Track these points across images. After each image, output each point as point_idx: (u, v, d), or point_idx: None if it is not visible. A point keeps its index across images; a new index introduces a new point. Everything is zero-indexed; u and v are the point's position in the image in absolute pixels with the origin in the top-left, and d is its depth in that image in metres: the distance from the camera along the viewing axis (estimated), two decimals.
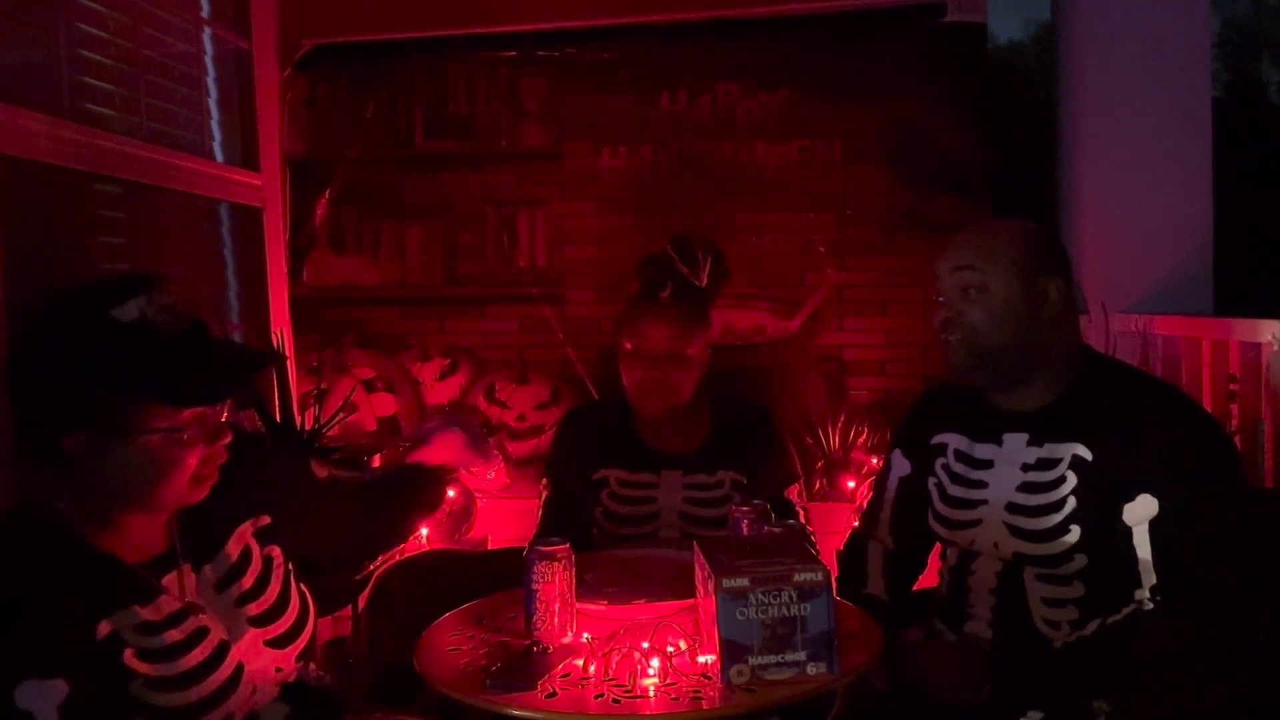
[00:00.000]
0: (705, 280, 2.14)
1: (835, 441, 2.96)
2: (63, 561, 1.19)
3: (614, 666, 1.34)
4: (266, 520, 1.39)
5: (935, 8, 2.92)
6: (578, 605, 1.49)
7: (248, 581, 1.34)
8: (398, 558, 2.42)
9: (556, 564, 1.46)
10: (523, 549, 1.49)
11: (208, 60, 2.84)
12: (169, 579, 1.27)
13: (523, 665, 1.37)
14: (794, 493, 2.09)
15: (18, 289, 1.92)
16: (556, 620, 1.46)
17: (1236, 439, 2.50)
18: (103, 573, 1.22)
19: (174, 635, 1.23)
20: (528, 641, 1.46)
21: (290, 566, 1.41)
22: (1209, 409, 2.62)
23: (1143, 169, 3.06)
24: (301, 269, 3.12)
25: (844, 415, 2.96)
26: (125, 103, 2.41)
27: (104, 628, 1.18)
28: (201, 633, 1.26)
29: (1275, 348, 2.28)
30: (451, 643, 1.48)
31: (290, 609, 1.38)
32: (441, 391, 3.10)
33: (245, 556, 1.35)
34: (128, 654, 1.19)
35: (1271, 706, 1.49)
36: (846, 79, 2.96)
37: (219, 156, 2.86)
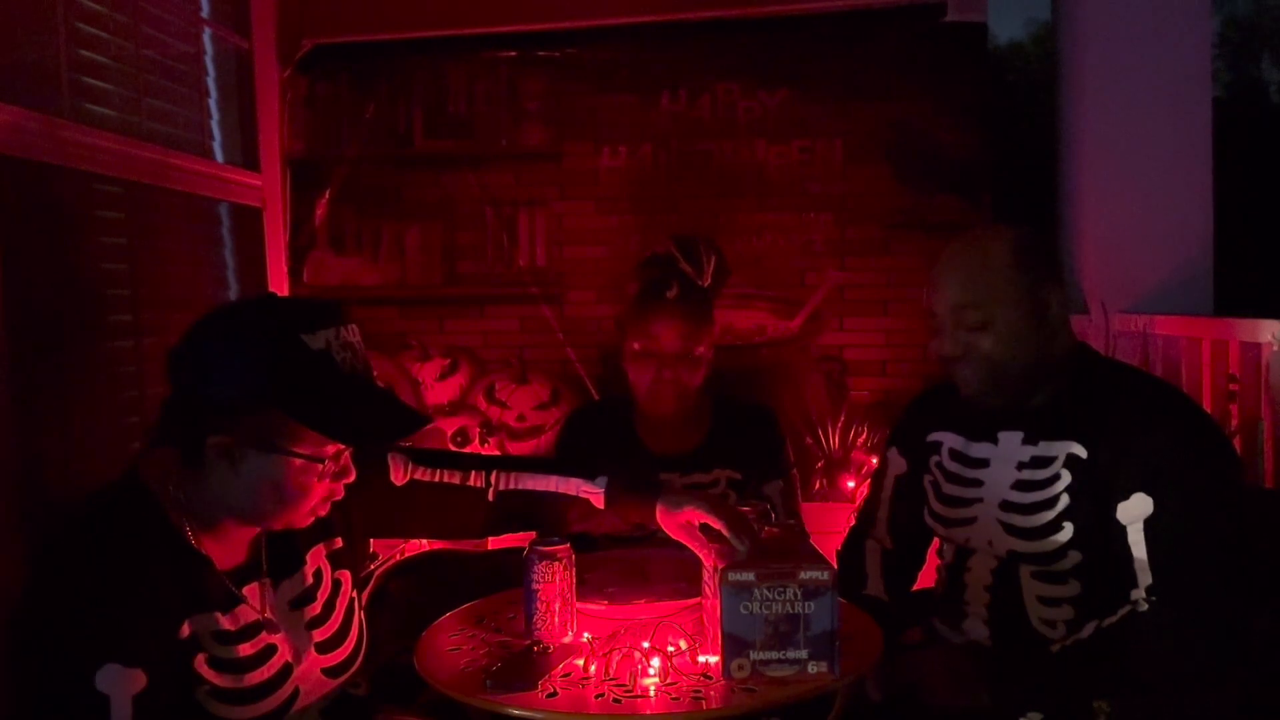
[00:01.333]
0: (709, 279, 2.13)
1: (835, 441, 2.96)
2: (162, 553, 1.21)
3: (614, 666, 1.34)
4: (339, 544, 1.41)
5: (935, 7, 2.92)
6: (578, 605, 1.50)
7: (318, 607, 1.35)
8: (398, 558, 2.41)
9: (557, 564, 1.46)
10: (523, 549, 1.49)
11: (208, 60, 2.83)
12: (250, 589, 1.29)
13: (523, 665, 1.37)
14: (775, 490, 2.05)
15: (17, 289, 1.92)
16: (557, 620, 1.46)
17: (1236, 439, 2.50)
18: (195, 573, 1.23)
19: (245, 649, 1.24)
20: (528, 641, 1.46)
21: (356, 594, 1.42)
22: (1209, 409, 2.62)
23: (1143, 169, 3.06)
24: (301, 269, 3.12)
25: (844, 415, 2.96)
26: (125, 103, 2.40)
27: (186, 628, 1.20)
28: (270, 650, 1.27)
29: (1275, 348, 2.28)
30: (451, 643, 1.48)
31: (350, 638, 1.39)
32: (441, 391, 3.10)
33: (318, 578, 1.37)
34: (200, 659, 1.20)
35: (1272, 706, 1.49)
36: (847, 79, 2.96)
37: (219, 156, 2.86)
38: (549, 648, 1.43)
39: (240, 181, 2.91)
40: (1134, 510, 1.46)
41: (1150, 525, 1.45)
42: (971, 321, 1.54)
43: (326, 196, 3.11)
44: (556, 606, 1.46)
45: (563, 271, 3.07)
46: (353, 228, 3.12)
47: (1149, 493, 1.45)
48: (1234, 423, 2.49)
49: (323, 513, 1.28)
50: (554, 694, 1.29)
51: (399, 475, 1.47)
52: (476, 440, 3.05)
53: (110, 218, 2.33)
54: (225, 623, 1.24)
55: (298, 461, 1.21)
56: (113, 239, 2.34)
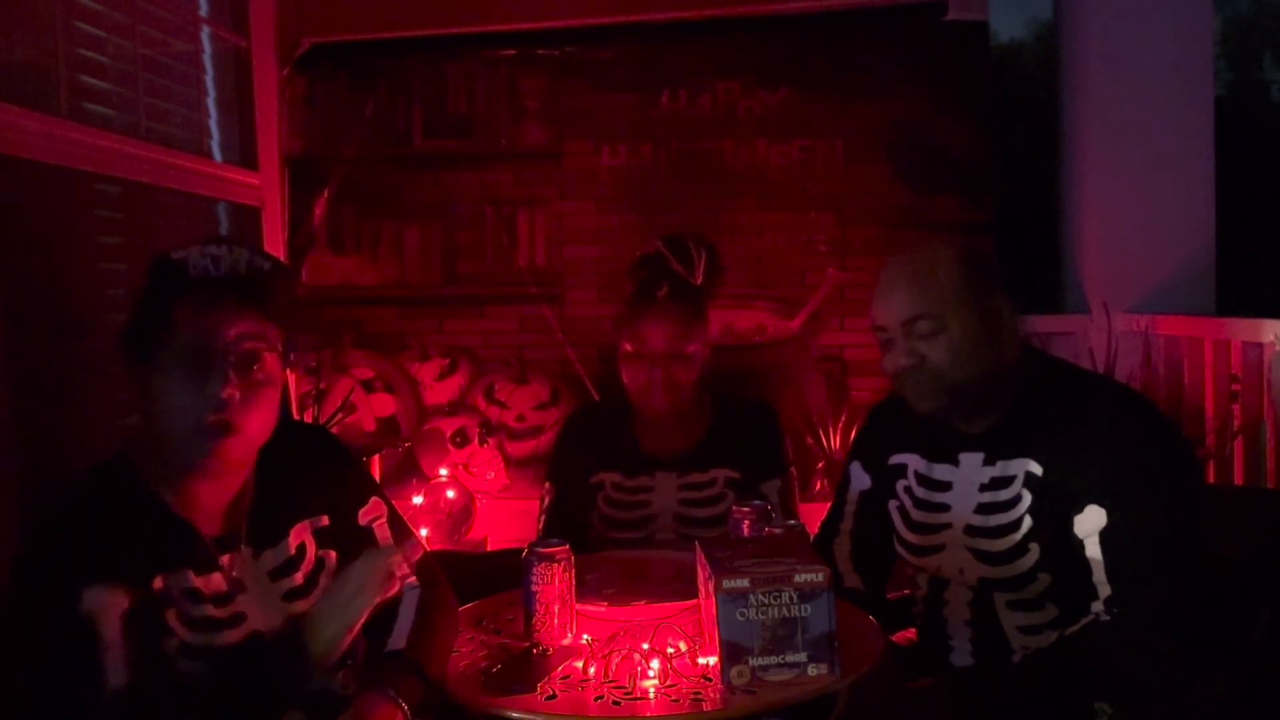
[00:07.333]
0: (700, 277, 2.12)
1: (836, 442, 2.95)
2: (140, 514, 1.25)
3: (614, 668, 1.33)
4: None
5: (937, 6, 2.92)
6: (577, 607, 1.49)
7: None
8: None
9: (556, 565, 1.46)
10: (522, 550, 1.49)
11: (206, 59, 2.83)
12: (228, 558, 1.31)
13: (522, 667, 1.37)
14: (773, 488, 2.03)
15: (16, 289, 1.92)
16: (556, 622, 1.45)
17: (1238, 440, 2.49)
18: (170, 532, 1.26)
19: (215, 611, 1.26)
20: (527, 643, 1.45)
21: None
22: (1210, 409, 2.61)
23: (1145, 168, 3.05)
24: (300, 269, 3.11)
25: (845, 415, 2.96)
26: (124, 102, 2.40)
27: (159, 582, 1.23)
28: (239, 617, 1.28)
29: (1277, 348, 2.27)
30: None
31: None
32: (441, 391, 3.09)
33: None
34: (171, 613, 1.23)
35: (1272, 707, 1.48)
36: (847, 77, 2.95)
37: (217, 156, 2.86)
38: (548, 649, 1.43)
39: (239, 181, 2.90)
40: (1088, 523, 1.44)
41: (1105, 537, 1.42)
42: (924, 331, 1.50)
43: (325, 196, 3.10)
44: (556, 608, 1.45)
45: (563, 271, 3.06)
46: (352, 227, 3.12)
47: (1101, 504, 1.43)
48: (1236, 423, 2.48)
49: (240, 420, 1.23)
50: (553, 696, 1.28)
51: (366, 516, 1.45)
52: (476, 440, 3.05)
53: (108, 217, 2.33)
54: (198, 582, 1.26)
55: (167, 355, 1.22)
56: (111, 238, 2.33)
